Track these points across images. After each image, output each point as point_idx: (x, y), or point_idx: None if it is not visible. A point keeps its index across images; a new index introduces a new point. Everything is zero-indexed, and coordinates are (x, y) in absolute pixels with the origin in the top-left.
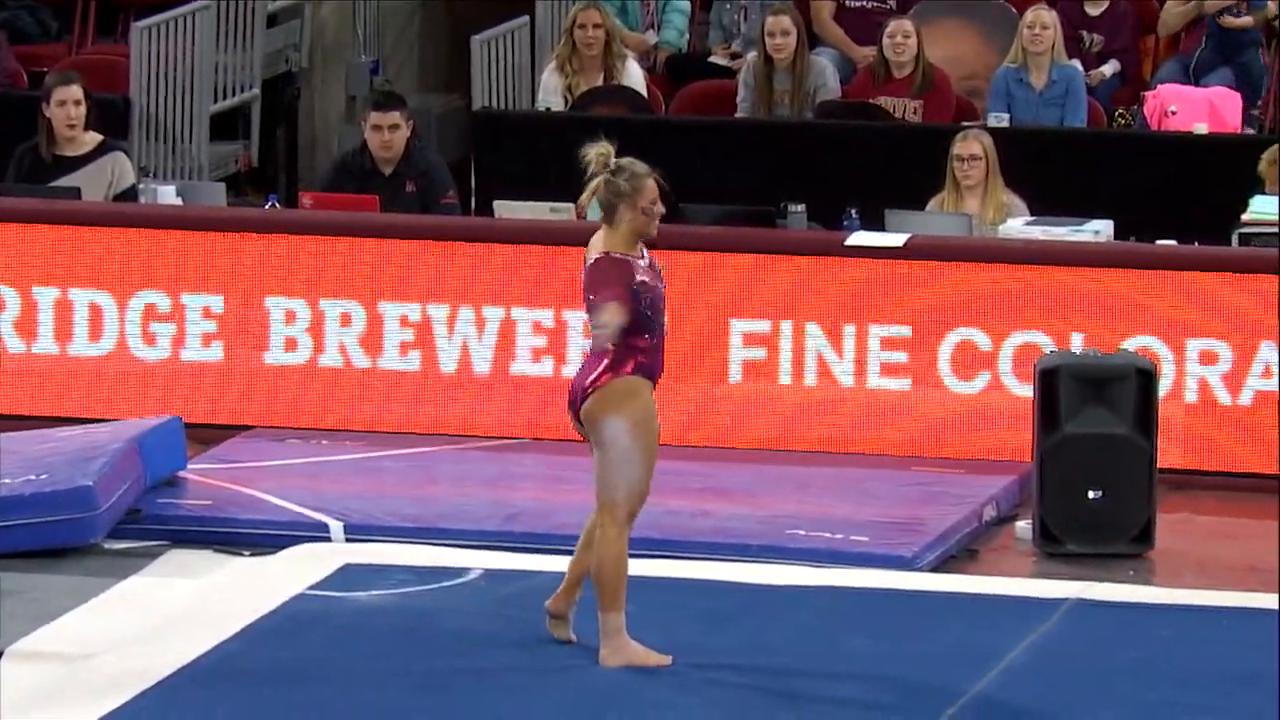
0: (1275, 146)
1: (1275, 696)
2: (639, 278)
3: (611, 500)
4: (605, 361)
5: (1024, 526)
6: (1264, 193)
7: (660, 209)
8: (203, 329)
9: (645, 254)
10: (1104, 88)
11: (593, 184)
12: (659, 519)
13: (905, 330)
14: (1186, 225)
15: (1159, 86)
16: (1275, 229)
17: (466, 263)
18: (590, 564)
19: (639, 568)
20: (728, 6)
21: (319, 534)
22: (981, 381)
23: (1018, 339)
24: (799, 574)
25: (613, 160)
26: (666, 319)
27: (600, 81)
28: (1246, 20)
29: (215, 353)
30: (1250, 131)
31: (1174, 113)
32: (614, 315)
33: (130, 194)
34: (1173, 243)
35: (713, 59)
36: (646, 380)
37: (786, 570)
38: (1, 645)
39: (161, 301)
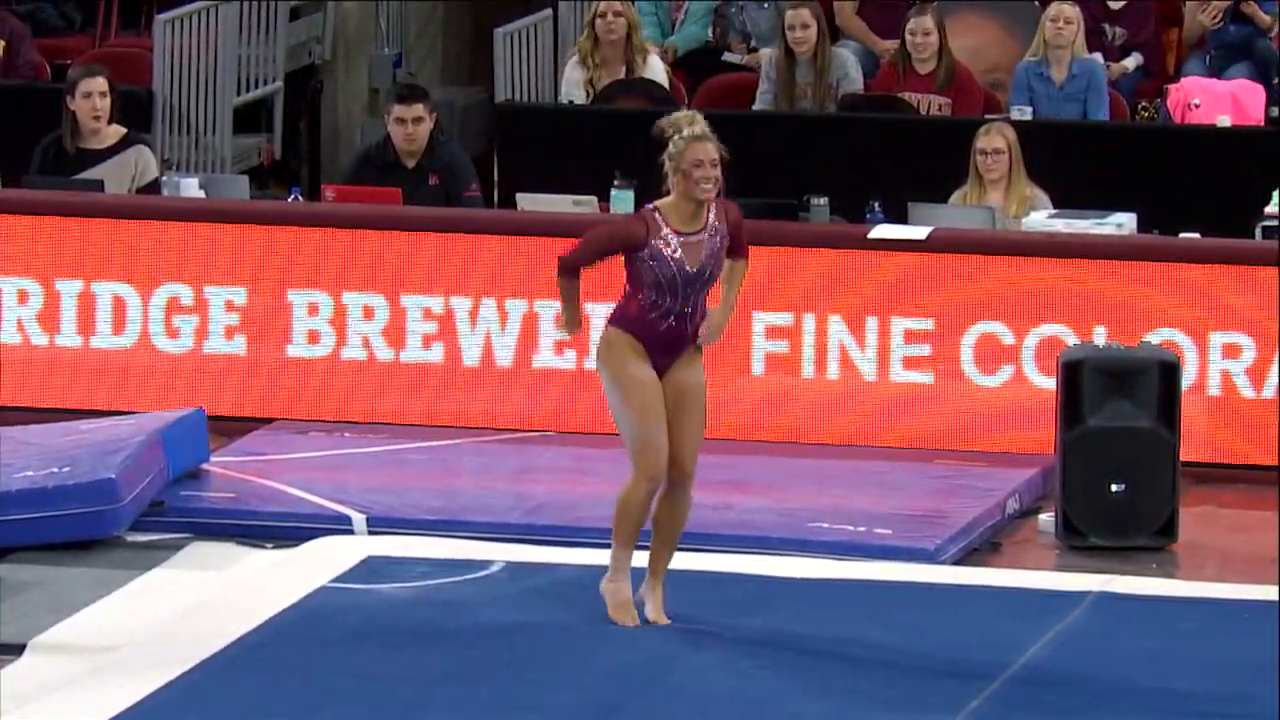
0: None
1: None
2: (651, 247)
3: (629, 452)
4: (615, 307)
5: (1047, 519)
6: None
7: (706, 173)
8: (225, 322)
9: (708, 223)
10: (1126, 81)
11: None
12: None
13: (928, 323)
14: (1209, 218)
15: (1182, 79)
16: None
17: (489, 255)
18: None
19: None
20: (732, 9)
21: (341, 526)
22: (1004, 374)
23: (1041, 332)
24: (821, 567)
25: (689, 126)
26: (694, 304)
27: (622, 75)
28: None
29: (238, 345)
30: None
31: (1197, 106)
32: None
33: (153, 187)
34: (1196, 236)
35: (727, 56)
36: (629, 335)
37: (809, 563)
38: (25, 637)
39: (184, 294)
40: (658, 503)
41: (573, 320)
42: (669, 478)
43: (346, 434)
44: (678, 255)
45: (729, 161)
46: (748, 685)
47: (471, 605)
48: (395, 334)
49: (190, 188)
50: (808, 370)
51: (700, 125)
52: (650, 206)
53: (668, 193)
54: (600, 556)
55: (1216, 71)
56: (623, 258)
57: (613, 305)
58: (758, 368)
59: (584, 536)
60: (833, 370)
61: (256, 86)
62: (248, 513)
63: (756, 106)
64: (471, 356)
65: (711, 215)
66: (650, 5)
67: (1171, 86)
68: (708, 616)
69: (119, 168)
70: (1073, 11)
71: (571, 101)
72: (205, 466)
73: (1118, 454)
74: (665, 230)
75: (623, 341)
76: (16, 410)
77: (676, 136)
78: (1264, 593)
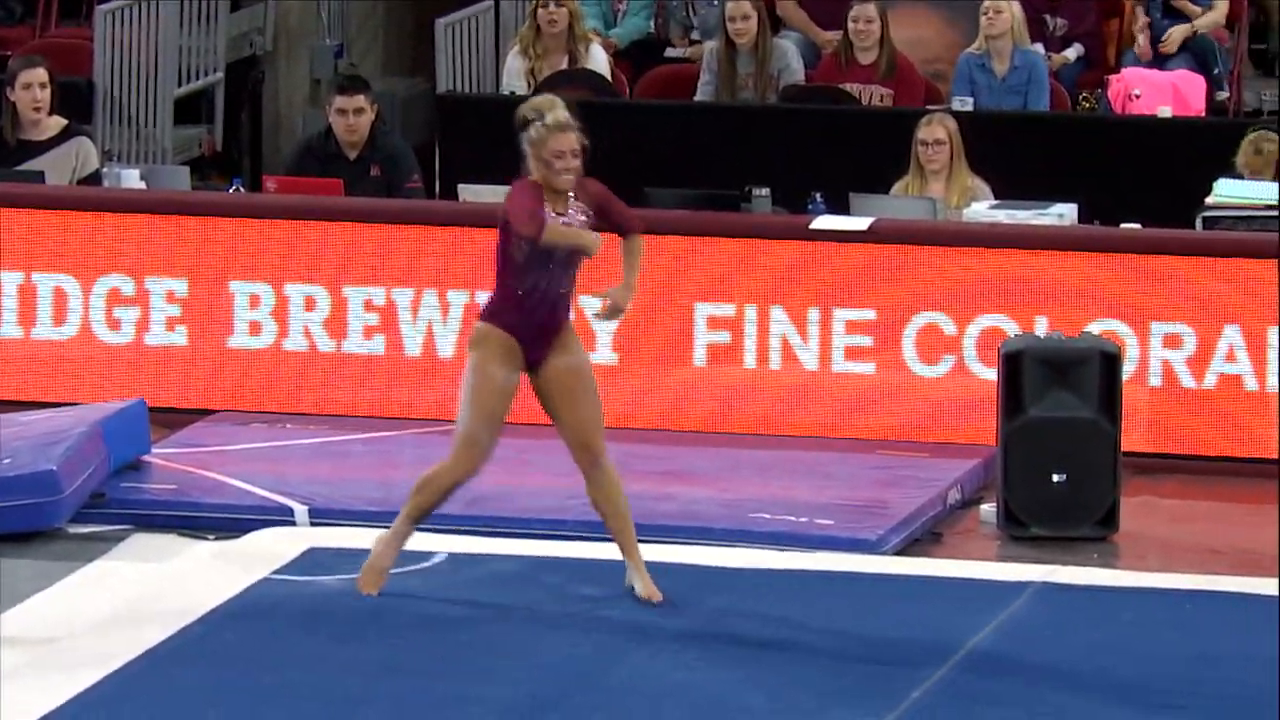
0: (1256, 134)
1: (1237, 678)
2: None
3: (456, 435)
4: (486, 302)
5: (988, 510)
6: (1238, 177)
7: (567, 164)
8: (167, 313)
9: (571, 207)
10: (1068, 71)
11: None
12: None
13: (870, 314)
14: (1150, 208)
15: (1122, 70)
16: (1241, 213)
17: (431, 246)
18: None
19: (603, 551)
20: (674, 3)
21: (283, 518)
22: (946, 365)
23: (982, 323)
24: (763, 557)
25: (550, 113)
26: (566, 287)
27: (564, 65)
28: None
29: (179, 337)
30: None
31: (1137, 96)
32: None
33: (94, 178)
34: (1137, 226)
35: (670, 51)
36: (502, 332)
37: (750, 553)
38: None
39: (125, 285)
40: (588, 493)
41: (584, 237)
42: (583, 464)
43: (288, 425)
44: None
45: (588, 149)
46: (691, 676)
47: (414, 597)
48: (337, 325)
49: (131, 179)
50: (749, 362)
51: (561, 113)
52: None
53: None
54: (544, 548)
55: (1157, 63)
56: (498, 241)
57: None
58: (699, 359)
59: (525, 527)
60: (775, 361)
61: (197, 77)
62: (189, 504)
63: (698, 97)
64: (413, 348)
65: (572, 194)
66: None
67: (1112, 77)
68: (649, 606)
69: (60, 159)
70: (1006, 3)
71: (513, 92)
72: (146, 458)
73: (1059, 444)
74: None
75: (495, 337)
76: None
77: (538, 123)
78: (1205, 583)
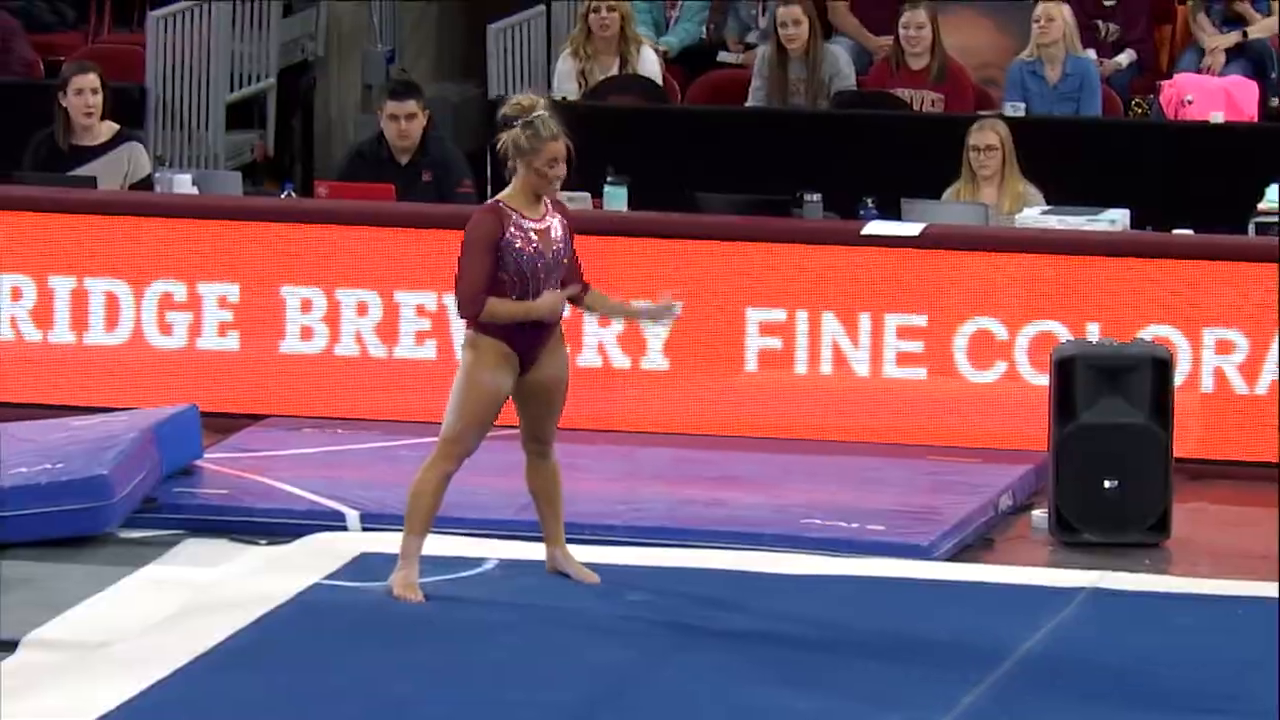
0: None
1: None
2: (508, 237)
3: (441, 435)
4: None
5: (1040, 516)
6: None
7: (559, 171)
8: (219, 318)
9: (548, 211)
10: (1120, 77)
11: (505, 134)
12: (673, 508)
13: (921, 319)
14: (1203, 214)
15: (1175, 76)
16: None
17: None
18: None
19: (653, 556)
20: (739, 2)
21: (335, 523)
22: (997, 371)
23: (1034, 328)
24: (814, 563)
25: (535, 113)
26: (554, 289)
27: (615, 67)
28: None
29: (231, 342)
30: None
31: (1190, 102)
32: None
33: (146, 183)
34: (1189, 232)
35: (723, 55)
36: (496, 340)
37: (801, 559)
38: (18, 634)
39: (177, 290)
40: (528, 477)
41: (538, 305)
42: (532, 450)
43: (340, 430)
44: (534, 242)
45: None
46: (740, 681)
47: (464, 602)
48: (388, 330)
49: (183, 184)
50: (801, 367)
51: (552, 121)
52: (494, 200)
53: (508, 180)
54: (592, 553)
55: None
56: None
57: None
58: (751, 364)
59: (575, 532)
60: (826, 367)
61: (249, 83)
62: (241, 509)
63: (750, 103)
64: None
65: (547, 200)
66: (645, 4)
67: (1165, 83)
68: (700, 612)
69: (112, 164)
70: (1058, 10)
71: (564, 96)
72: (198, 463)
73: (1110, 450)
74: (516, 217)
75: (488, 345)
76: (9, 407)
77: (530, 133)
78: (1256, 589)
